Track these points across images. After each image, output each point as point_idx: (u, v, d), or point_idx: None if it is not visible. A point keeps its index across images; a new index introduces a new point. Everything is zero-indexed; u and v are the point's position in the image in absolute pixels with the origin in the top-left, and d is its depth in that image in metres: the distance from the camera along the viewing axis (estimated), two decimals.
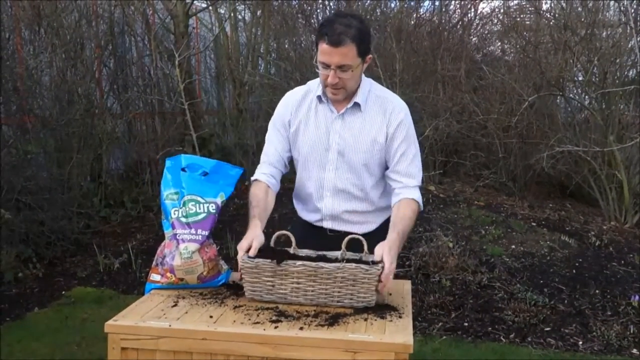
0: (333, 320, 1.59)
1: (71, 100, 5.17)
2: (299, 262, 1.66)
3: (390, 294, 1.80)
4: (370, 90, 2.02)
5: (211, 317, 1.60)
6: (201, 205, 1.86)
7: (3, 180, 4.27)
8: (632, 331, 3.52)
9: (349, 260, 1.73)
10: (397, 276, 1.74)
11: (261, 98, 6.89)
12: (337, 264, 1.66)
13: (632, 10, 5.45)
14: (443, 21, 7.38)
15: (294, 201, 2.23)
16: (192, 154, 5.66)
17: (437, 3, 7.46)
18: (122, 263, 4.54)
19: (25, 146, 4.61)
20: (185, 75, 6.14)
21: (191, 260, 1.78)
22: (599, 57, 5.46)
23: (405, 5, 7.00)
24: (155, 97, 6.25)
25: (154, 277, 1.83)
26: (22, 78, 4.82)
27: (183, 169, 1.92)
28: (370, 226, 2.09)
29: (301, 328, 1.53)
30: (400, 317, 1.64)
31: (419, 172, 2.02)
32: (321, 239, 2.00)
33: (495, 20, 7.78)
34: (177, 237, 1.81)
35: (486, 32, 7.94)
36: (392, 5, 7.18)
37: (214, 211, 1.86)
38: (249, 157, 6.44)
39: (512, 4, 7.67)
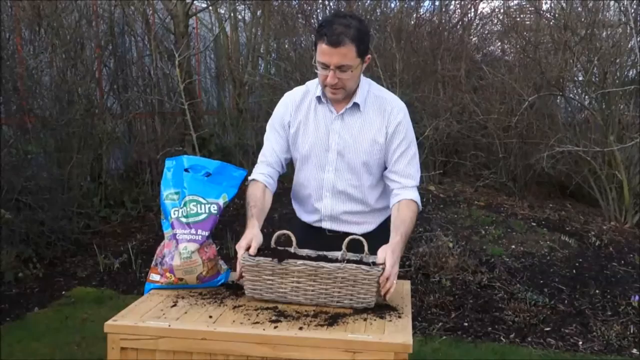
0: (332, 320, 1.59)
1: (71, 100, 5.17)
2: (300, 262, 1.66)
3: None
4: (369, 91, 2.02)
5: (210, 317, 1.60)
6: (202, 205, 1.86)
7: (3, 180, 4.27)
8: (632, 331, 3.52)
9: (349, 261, 1.73)
10: (397, 276, 1.74)
11: (261, 98, 6.89)
12: (338, 264, 1.66)
13: (632, 10, 5.45)
14: (443, 21, 7.38)
15: (293, 202, 2.23)
16: (192, 154, 5.66)
17: (437, 3, 7.47)
18: (122, 263, 4.54)
19: (25, 146, 4.61)
20: (185, 75, 6.14)
21: (190, 260, 1.78)
22: (599, 57, 5.46)
23: (405, 5, 6.99)
24: (155, 97, 6.25)
25: (154, 277, 1.83)
26: (22, 78, 4.82)
27: (186, 170, 1.92)
28: (369, 227, 2.10)
29: (301, 328, 1.53)
30: (399, 317, 1.64)
31: (417, 172, 2.02)
32: (320, 240, 2.00)
33: (495, 20, 7.79)
34: (177, 237, 1.81)
35: (486, 32, 7.95)
36: (392, 5, 7.18)
37: (215, 212, 1.86)
38: (249, 157, 6.45)
39: (512, 4, 7.68)
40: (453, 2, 7.45)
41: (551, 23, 6.50)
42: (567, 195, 6.42)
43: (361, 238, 1.77)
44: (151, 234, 5.15)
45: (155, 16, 6.75)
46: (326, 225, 2.09)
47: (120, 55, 6.30)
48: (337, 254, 1.81)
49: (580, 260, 4.60)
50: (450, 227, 5.06)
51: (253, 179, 2.03)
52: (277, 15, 7.15)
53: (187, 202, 1.85)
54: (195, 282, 1.81)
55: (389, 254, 1.70)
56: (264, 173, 2.04)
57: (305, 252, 1.83)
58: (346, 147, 2.00)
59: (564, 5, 6.29)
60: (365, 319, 1.61)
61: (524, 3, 7.52)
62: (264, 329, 1.52)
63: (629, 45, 5.66)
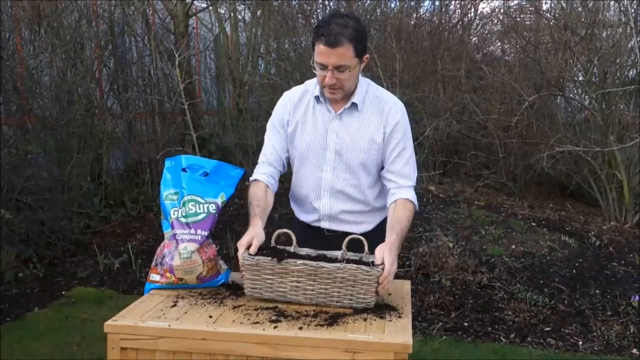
0: (332, 320, 1.59)
1: (71, 100, 5.17)
2: (300, 261, 1.66)
3: (390, 294, 1.79)
4: (368, 91, 2.02)
5: (210, 317, 1.60)
6: (201, 205, 1.86)
7: (3, 180, 4.27)
8: (632, 331, 3.52)
9: (349, 261, 1.73)
10: (397, 276, 1.74)
11: (261, 98, 6.89)
12: (338, 264, 1.66)
13: (632, 10, 5.45)
14: (443, 21, 7.38)
15: (291, 202, 2.23)
16: (192, 154, 5.66)
17: (437, 3, 7.46)
18: (122, 263, 4.54)
19: (25, 146, 4.61)
20: (185, 75, 6.14)
21: (190, 260, 1.78)
22: (599, 57, 5.46)
23: (405, 5, 6.99)
24: (155, 97, 6.26)
25: (154, 277, 1.83)
26: (22, 78, 4.82)
27: (184, 169, 1.92)
28: (368, 226, 2.10)
29: (300, 328, 1.53)
30: (399, 317, 1.64)
31: (414, 172, 2.03)
32: (319, 240, 2.00)
33: (495, 20, 7.79)
34: (177, 237, 1.81)
35: (486, 32, 7.95)
36: (392, 5, 7.18)
37: (214, 211, 1.86)
38: (249, 157, 6.45)
39: (512, 4, 7.67)
40: (453, 2, 7.45)
41: (551, 23, 6.50)
42: (567, 195, 6.42)
43: (361, 237, 1.77)
44: (151, 234, 5.15)
45: (155, 16, 6.75)
46: (325, 224, 2.09)
47: (120, 55, 6.30)
48: (337, 254, 1.81)
49: (580, 260, 4.60)
50: (450, 227, 5.06)
51: (255, 179, 2.03)
52: (277, 15, 7.15)
53: (186, 202, 1.85)
54: (195, 282, 1.81)
55: (386, 253, 1.70)
56: (265, 173, 2.04)
57: (305, 251, 1.84)
58: (344, 146, 2.00)
59: (564, 5, 6.29)
60: (365, 319, 1.61)
61: (524, 3, 7.52)
62: (264, 329, 1.52)
63: (629, 45, 5.66)
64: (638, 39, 5.08)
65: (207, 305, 1.69)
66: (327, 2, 6.97)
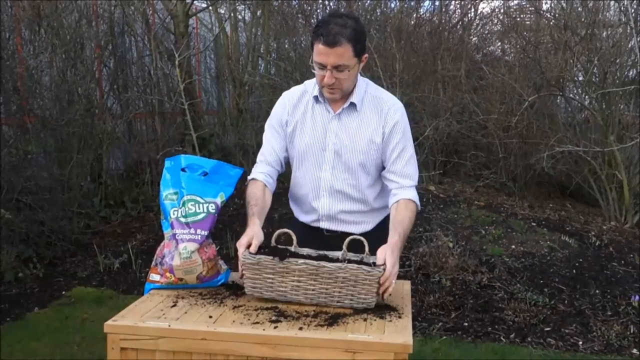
0: (333, 320, 1.59)
1: (71, 100, 5.17)
2: (301, 261, 1.66)
3: (390, 294, 1.79)
4: (367, 90, 2.02)
5: (210, 317, 1.59)
6: (200, 205, 1.86)
7: (3, 180, 4.27)
8: (632, 331, 3.52)
9: (350, 261, 1.73)
10: (397, 276, 1.74)
11: (261, 98, 6.89)
12: (339, 264, 1.66)
13: (632, 10, 5.45)
14: (443, 21, 7.38)
15: (290, 202, 2.23)
16: (192, 154, 5.66)
17: (437, 3, 7.46)
18: (122, 263, 4.54)
19: (25, 146, 4.61)
20: (185, 75, 6.14)
21: (190, 260, 1.78)
22: (599, 57, 5.46)
23: (405, 5, 6.99)
24: (155, 97, 6.25)
25: (154, 277, 1.83)
26: (22, 78, 4.82)
27: (183, 169, 1.92)
28: (367, 226, 2.09)
29: (301, 328, 1.53)
30: (399, 317, 1.64)
31: (415, 172, 2.03)
32: (318, 240, 2.00)
33: (495, 20, 7.79)
34: (177, 237, 1.81)
35: (486, 32, 7.95)
36: (392, 5, 7.18)
37: (214, 211, 1.86)
38: (249, 157, 6.44)
39: (512, 4, 7.67)
40: (453, 2, 7.45)
41: (551, 23, 6.50)
42: (567, 195, 6.42)
43: (361, 238, 1.77)
44: (151, 234, 5.15)
45: (155, 16, 6.75)
46: (324, 225, 2.09)
47: (120, 55, 6.30)
48: (338, 254, 1.81)
49: (580, 260, 4.60)
50: (450, 227, 5.06)
51: (253, 178, 2.03)
52: (277, 15, 7.15)
53: (185, 201, 1.85)
54: (195, 282, 1.81)
55: (388, 254, 1.70)
56: (263, 172, 2.04)
57: (306, 251, 1.83)
58: (343, 146, 2.00)
59: (564, 5, 6.29)
60: (365, 319, 1.61)
61: (524, 3, 7.52)
62: (264, 329, 1.51)
63: (629, 45, 5.66)
64: (638, 39, 5.08)
65: (207, 305, 1.69)
66: (327, 2, 6.97)
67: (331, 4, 6.99)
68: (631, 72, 5.86)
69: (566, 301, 3.94)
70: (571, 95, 6.27)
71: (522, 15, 7.56)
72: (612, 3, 5.97)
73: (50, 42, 5.11)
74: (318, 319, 1.59)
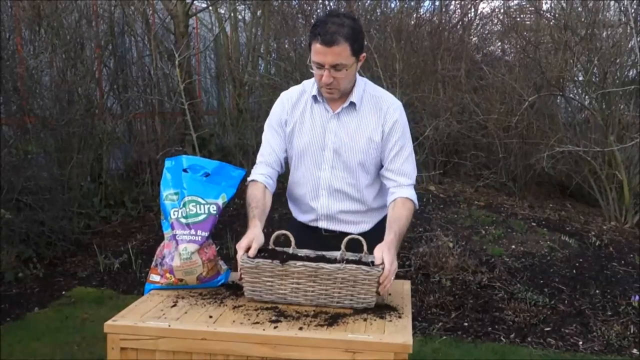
0: (332, 320, 1.59)
1: (71, 100, 5.17)
2: (300, 263, 1.66)
3: (390, 294, 1.79)
4: (365, 90, 2.02)
5: (210, 317, 1.60)
6: (202, 206, 1.85)
7: (3, 180, 4.27)
8: (632, 331, 3.52)
9: (348, 261, 1.73)
10: (397, 276, 1.74)
11: (261, 98, 6.89)
12: (338, 265, 1.66)
13: (632, 10, 5.45)
14: (443, 21, 7.37)
15: (289, 202, 2.23)
16: (192, 154, 5.66)
17: (437, 3, 7.46)
18: (122, 263, 4.54)
19: (25, 146, 4.61)
20: (185, 75, 6.14)
21: (190, 261, 1.78)
22: (599, 57, 5.46)
23: (405, 5, 6.99)
24: (155, 97, 6.25)
25: (154, 277, 1.83)
26: (22, 78, 4.82)
27: (185, 170, 1.91)
28: (365, 226, 2.09)
29: (301, 328, 1.53)
30: (399, 317, 1.64)
31: (413, 170, 2.03)
32: (317, 240, 2.00)
33: (496, 20, 7.78)
34: (177, 238, 1.81)
35: (486, 32, 7.94)
36: (392, 5, 7.18)
37: (215, 212, 1.86)
38: (249, 157, 6.44)
39: (512, 4, 7.67)
40: (453, 2, 7.45)
41: (551, 23, 6.50)
42: (567, 195, 6.43)
43: (360, 237, 1.77)
44: (151, 234, 5.15)
45: (155, 16, 6.75)
46: (322, 224, 2.09)
47: (120, 55, 6.30)
48: (336, 254, 1.81)
49: (580, 260, 4.60)
50: (450, 227, 5.06)
51: (253, 180, 2.02)
52: (277, 15, 7.15)
53: (186, 202, 1.85)
54: (195, 283, 1.81)
55: (385, 252, 1.70)
56: (263, 174, 2.04)
57: (304, 252, 1.83)
58: (342, 146, 2.00)
59: (564, 5, 6.29)
60: (365, 319, 1.61)
61: (524, 3, 7.52)
62: (264, 329, 1.52)
63: (629, 45, 5.66)
64: (638, 39, 5.08)
65: (207, 305, 1.69)
66: (327, 2, 6.96)
67: (331, 4, 6.99)
68: (631, 72, 5.86)
69: (566, 301, 3.94)
70: (571, 95, 6.27)
71: (522, 15, 7.56)
72: (612, 3, 5.97)
73: (50, 42, 5.11)
74: (318, 319, 1.59)
